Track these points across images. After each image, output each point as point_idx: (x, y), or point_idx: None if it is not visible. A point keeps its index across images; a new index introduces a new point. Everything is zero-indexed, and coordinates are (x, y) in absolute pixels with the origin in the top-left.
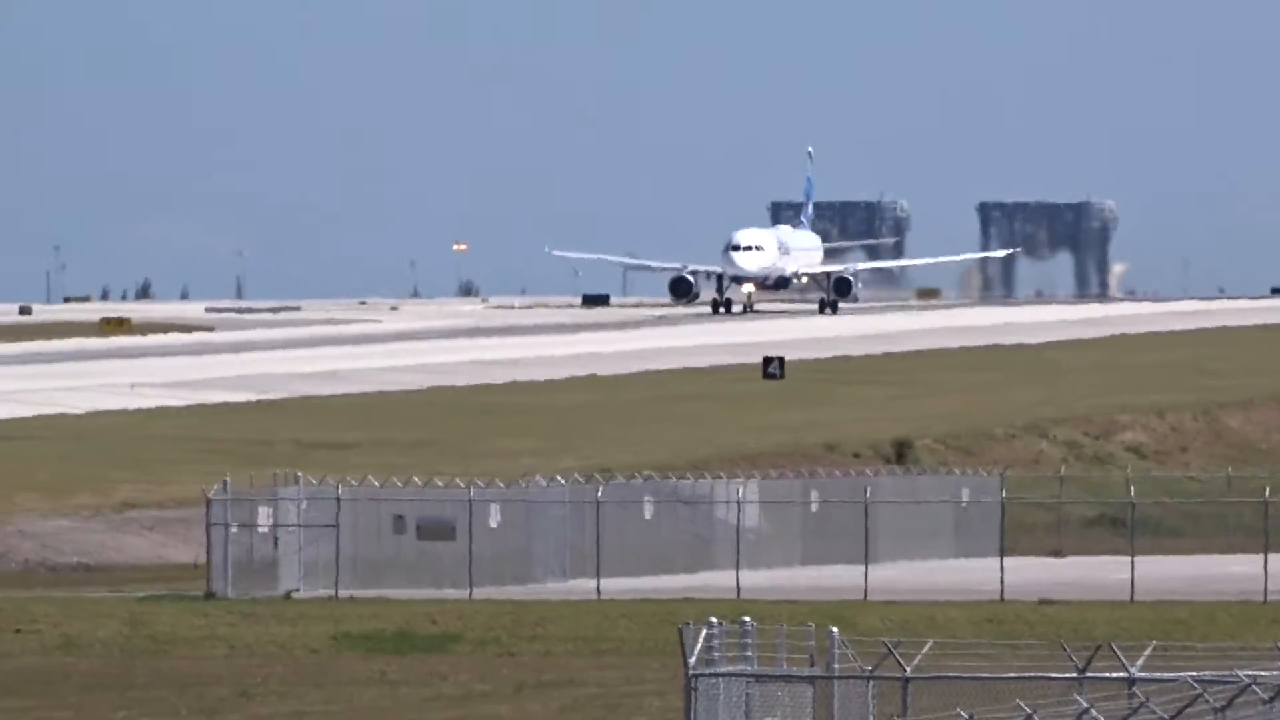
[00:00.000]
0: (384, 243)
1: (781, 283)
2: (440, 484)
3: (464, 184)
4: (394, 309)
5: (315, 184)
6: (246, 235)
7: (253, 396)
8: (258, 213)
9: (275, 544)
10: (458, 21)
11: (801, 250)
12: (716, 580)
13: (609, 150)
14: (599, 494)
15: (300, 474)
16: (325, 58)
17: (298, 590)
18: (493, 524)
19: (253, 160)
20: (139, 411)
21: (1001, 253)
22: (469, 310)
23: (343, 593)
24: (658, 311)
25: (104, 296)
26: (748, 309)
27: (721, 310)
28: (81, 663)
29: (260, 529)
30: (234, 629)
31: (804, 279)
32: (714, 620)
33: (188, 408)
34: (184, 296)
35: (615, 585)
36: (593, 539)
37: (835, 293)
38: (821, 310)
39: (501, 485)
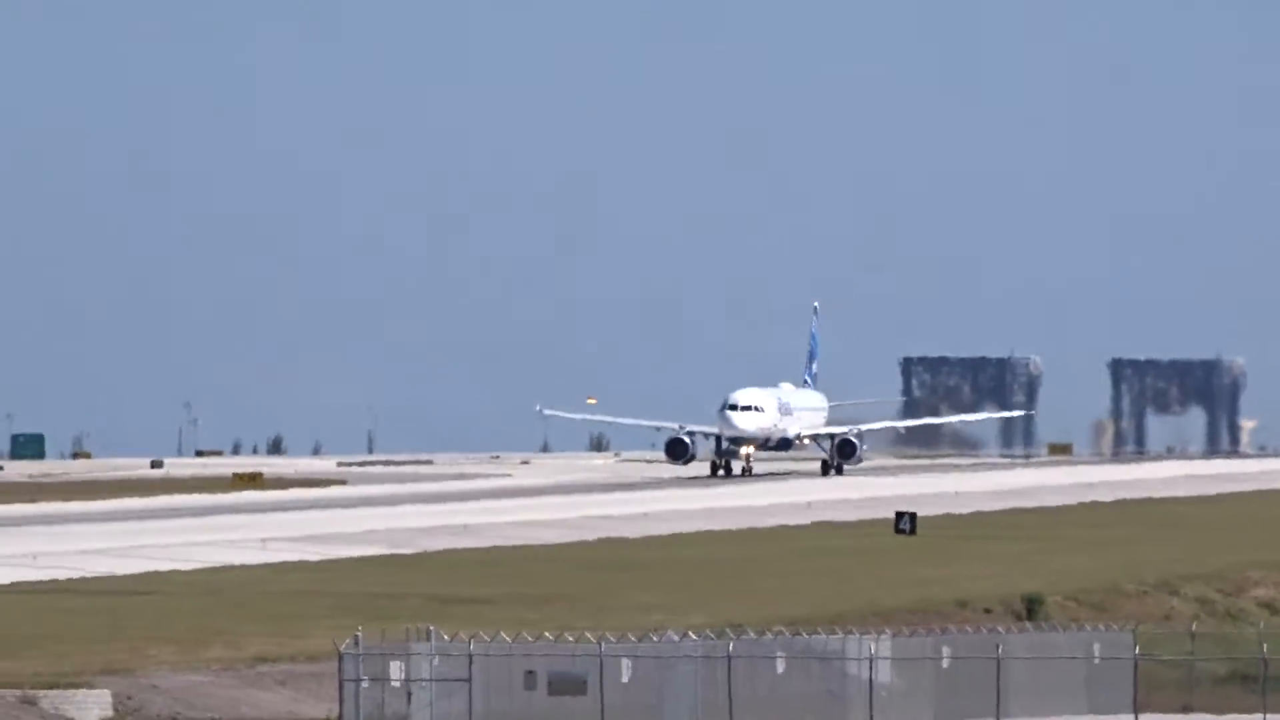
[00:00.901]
0: (515, 397)
1: (783, 444)
2: (571, 639)
3: (595, 338)
4: (525, 463)
5: (445, 337)
6: (377, 390)
7: (385, 551)
8: (388, 367)
9: (408, 699)
10: (585, 177)
11: (805, 410)
12: None
13: (741, 307)
14: (730, 649)
15: (432, 628)
16: (455, 211)
17: None
18: (624, 679)
19: (382, 314)
20: (271, 566)
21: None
22: (601, 464)
23: None
24: (778, 467)
25: (235, 451)
26: (746, 471)
27: (721, 473)
28: None
29: (392, 684)
30: None
31: (806, 441)
32: None
33: (320, 562)
34: (316, 451)
35: None
36: (724, 694)
37: (839, 455)
38: (825, 472)
39: (633, 640)
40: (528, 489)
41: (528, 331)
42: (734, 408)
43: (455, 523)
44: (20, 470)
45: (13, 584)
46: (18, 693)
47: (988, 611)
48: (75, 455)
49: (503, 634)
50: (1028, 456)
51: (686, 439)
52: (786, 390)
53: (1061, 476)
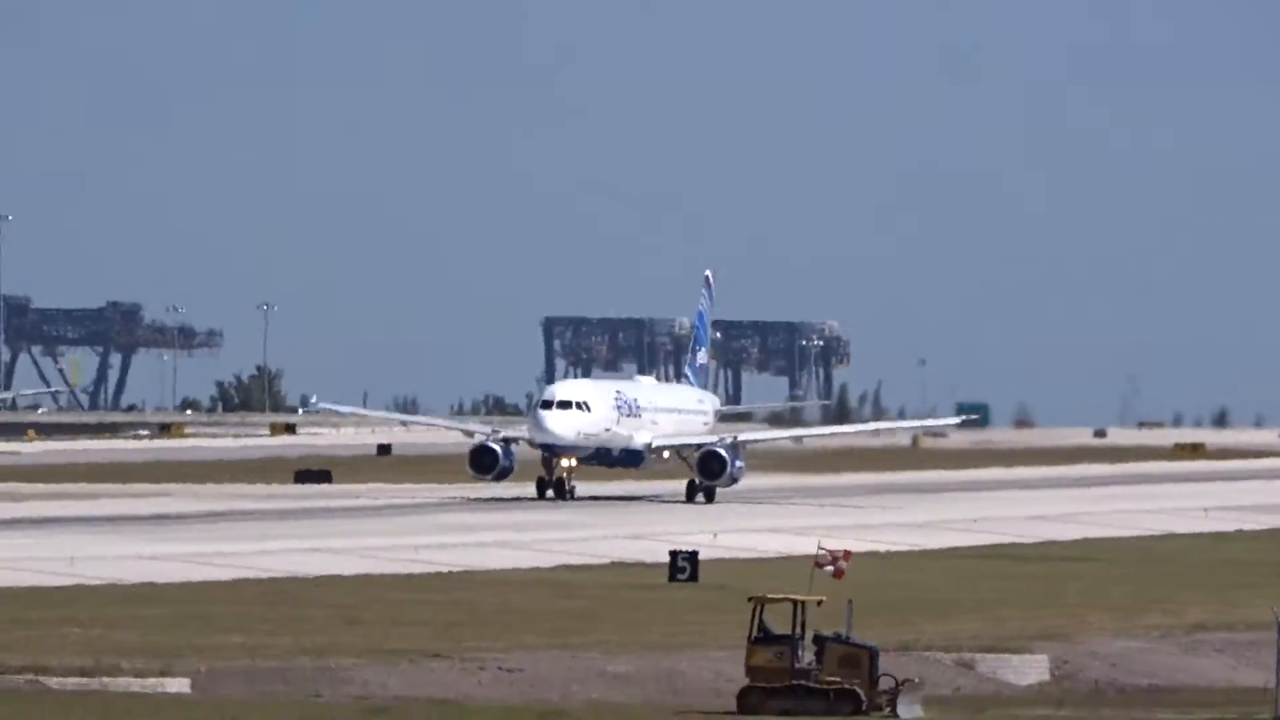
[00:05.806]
0: None
1: (629, 457)
2: None
3: None
4: None
5: None
6: None
7: None
8: None
9: None
10: None
11: (667, 412)
12: None
13: None
14: None
15: None
16: None
17: None
18: None
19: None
20: (1211, 535)
21: None
22: None
23: None
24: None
25: (1177, 422)
26: (567, 493)
27: (550, 494)
28: None
29: None
30: None
31: (665, 453)
32: None
33: (1261, 531)
34: (1258, 423)
35: None
36: None
37: (702, 474)
38: (690, 497)
39: None
40: None
41: None
42: (548, 405)
43: None
44: (964, 438)
45: (948, 549)
46: (955, 655)
47: None
48: (1018, 424)
49: None
50: None
51: (497, 447)
52: (642, 385)
53: None
